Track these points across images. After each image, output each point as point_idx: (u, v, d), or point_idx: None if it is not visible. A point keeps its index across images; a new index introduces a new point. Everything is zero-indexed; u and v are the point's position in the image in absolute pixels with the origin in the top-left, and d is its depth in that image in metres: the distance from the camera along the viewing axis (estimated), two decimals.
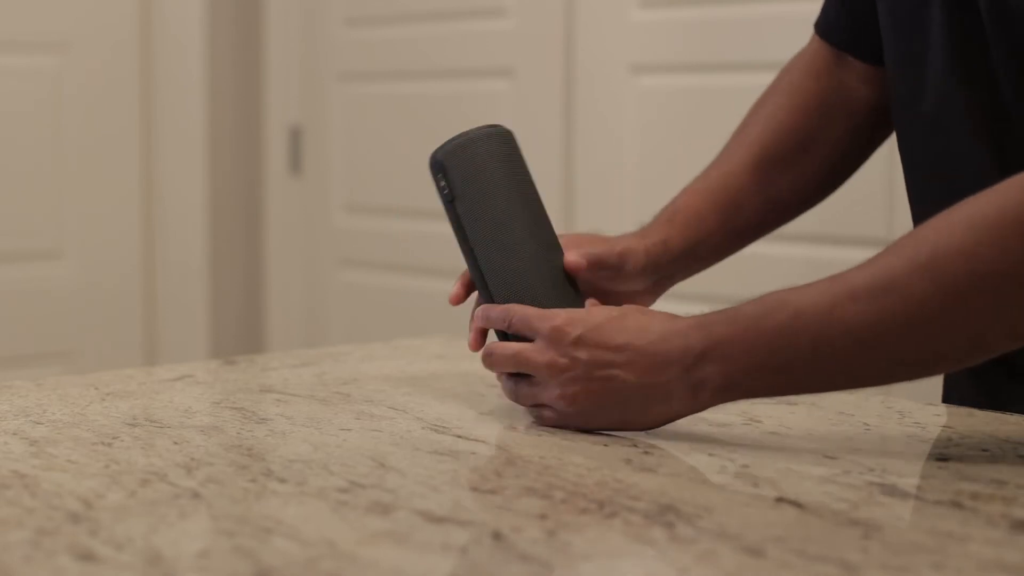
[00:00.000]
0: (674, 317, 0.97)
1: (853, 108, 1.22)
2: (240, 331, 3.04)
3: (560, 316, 0.99)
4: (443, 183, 1.07)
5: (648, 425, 0.97)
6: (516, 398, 1.02)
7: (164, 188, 3.00)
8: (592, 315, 0.99)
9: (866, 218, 2.03)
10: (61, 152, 2.88)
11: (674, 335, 0.94)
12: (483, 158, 1.07)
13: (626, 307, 1.01)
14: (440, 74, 2.71)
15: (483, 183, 1.06)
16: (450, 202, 1.07)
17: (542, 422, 1.00)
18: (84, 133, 2.90)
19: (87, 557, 0.68)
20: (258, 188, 3.04)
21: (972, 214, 0.87)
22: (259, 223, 3.04)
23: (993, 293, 0.86)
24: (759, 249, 1.65)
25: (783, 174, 1.23)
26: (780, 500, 0.80)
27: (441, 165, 1.07)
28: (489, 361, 1.03)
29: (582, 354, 0.97)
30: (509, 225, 1.06)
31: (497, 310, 1.04)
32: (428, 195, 2.85)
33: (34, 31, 2.85)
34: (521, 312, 1.02)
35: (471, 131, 1.07)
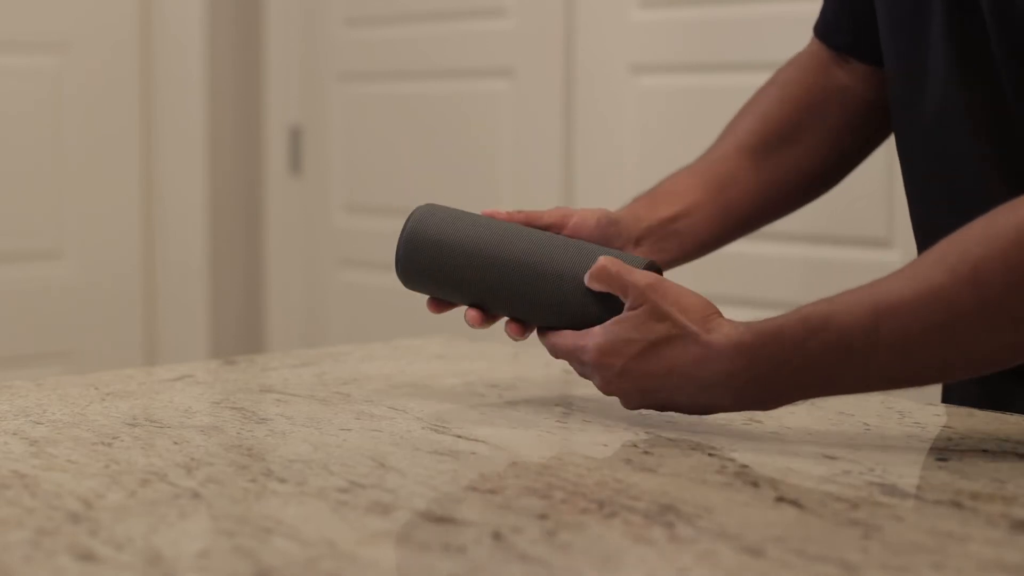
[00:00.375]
0: (707, 329, 0.95)
1: (848, 103, 1.21)
2: (240, 331, 3.04)
3: (594, 345, 0.99)
4: (428, 292, 1.09)
5: (704, 413, 1.00)
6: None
7: (164, 188, 3.00)
8: (628, 343, 0.98)
9: (866, 218, 2.03)
10: (61, 152, 2.88)
11: (715, 359, 0.94)
12: (423, 256, 1.06)
13: (659, 325, 0.97)
14: (440, 74, 2.71)
15: (442, 271, 1.06)
16: (442, 300, 1.09)
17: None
18: (84, 133, 2.90)
19: (87, 557, 0.68)
20: (258, 188, 3.04)
21: (1010, 224, 0.87)
22: (259, 223, 3.04)
23: None
24: (759, 249, 1.66)
25: (771, 160, 1.22)
26: (780, 500, 0.80)
27: (413, 287, 1.08)
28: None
29: (627, 384, 0.98)
30: (496, 276, 1.05)
31: (545, 344, 1.06)
32: (428, 195, 2.86)
33: (34, 31, 2.85)
34: (562, 344, 1.03)
35: (399, 239, 1.07)
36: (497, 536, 0.73)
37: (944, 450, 0.95)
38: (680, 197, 1.19)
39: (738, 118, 1.25)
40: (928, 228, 1.10)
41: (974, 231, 0.89)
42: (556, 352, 1.04)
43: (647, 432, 0.98)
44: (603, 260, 1.01)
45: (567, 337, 1.02)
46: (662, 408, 0.99)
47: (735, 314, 1.01)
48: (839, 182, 1.27)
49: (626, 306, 0.99)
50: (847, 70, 1.21)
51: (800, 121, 1.22)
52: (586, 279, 1.02)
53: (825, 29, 1.22)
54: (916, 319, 0.88)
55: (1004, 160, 1.02)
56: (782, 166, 1.22)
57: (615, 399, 1.03)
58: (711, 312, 0.97)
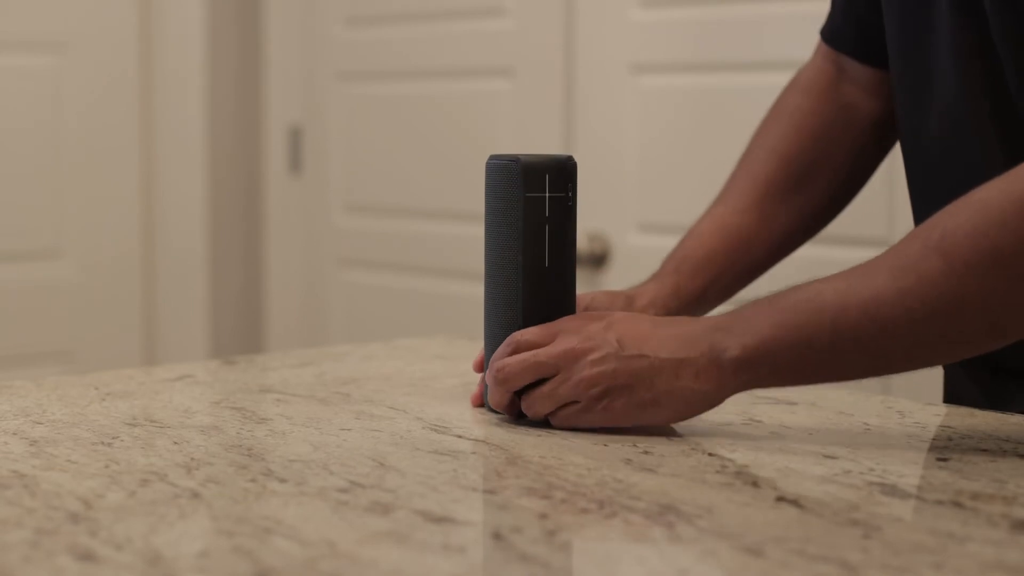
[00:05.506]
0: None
1: (858, 126, 1.22)
2: (240, 331, 3.04)
3: (580, 313, 1.01)
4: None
5: (672, 413, 0.96)
6: (532, 409, 0.98)
7: (164, 188, 3.00)
8: (608, 312, 1.01)
9: (866, 218, 2.03)
10: (61, 152, 2.88)
11: (702, 317, 0.97)
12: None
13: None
14: (440, 74, 2.71)
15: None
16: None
17: (559, 422, 0.98)
18: (84, 133, 2.90)
19: (87, 557, 0.68)
20: (258, 188, 3.04)
21: (981, 198, 0.88)
22: (259, 223, 3.04)
23: (1004, 273, 0.86)
24: None
25: (789, 204, 1.23)
26: (780, 500, 0.80)
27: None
28: (503, 375, 0.99)
29: (612, 335, 0.96)
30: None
31: (502, 347, 1.01)
32: (428, 195, 2.85)
33: (34, 31, 2.85)
34: (528, 333, 1.00)
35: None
36: (497, 536, 0.73)
37: (944, 450, 0.95)
38: (709, 265, 1.21)
39: (752, 154, 1.25)
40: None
41: (948, 208, 0.90)
42: (518, 342, 0.99)
43: (647, 432, 0.98)
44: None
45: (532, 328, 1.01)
46: (627, 380, 0.95)
47: None
48: (850, 203, 1.28)
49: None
50: (854, 84, 1.21)
51: (815, 156, 1.23)
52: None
53: (832, 33, 1.23)
54: (888, 285, 0.89)
55: (1012, 161, 1.02)
56: (797, 209, 1.24)
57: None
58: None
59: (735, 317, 0.94)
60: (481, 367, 1.08)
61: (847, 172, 1.24)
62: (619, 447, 0.93)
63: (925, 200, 1.12)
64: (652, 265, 1.24)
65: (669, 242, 1.29)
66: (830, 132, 1.22)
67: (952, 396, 1.17)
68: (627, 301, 1.15)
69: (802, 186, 1.23)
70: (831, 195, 1.25)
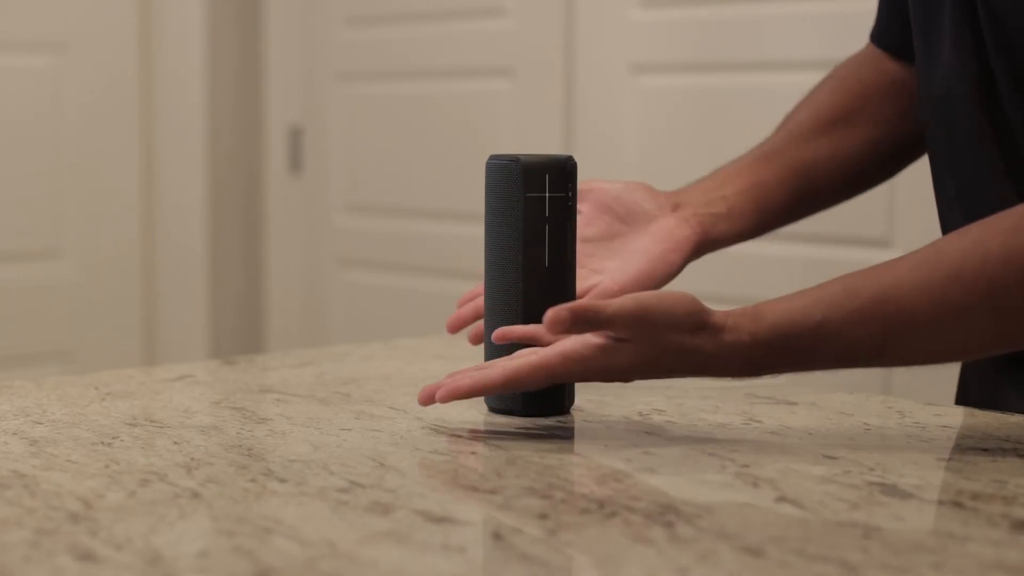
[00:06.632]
0: (719, 342, 0.92)
1: (903, 94, 1.22)
2: (240, 331, 3.04)
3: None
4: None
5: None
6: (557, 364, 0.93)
7: (164, 188, 3.00)
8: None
9: (866, 218, 2.03)
10: (61, 152, 2.88)
11: (723, 366, 0.93)
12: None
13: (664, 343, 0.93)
14: (440, 74, 2.71)
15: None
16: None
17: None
18: (84, 133, 2.91)
19: (87, 557, 0.68)
20: (258, 187, 3.04)
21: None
22: (259, 223, 3.04)
23: None
24: (759, 249, 1.66)
25: (822, 140, 1.23)
26: (780, 500, 0.80)
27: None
28: (517, 383, 0.94)
29: (647, 337, 0.92)
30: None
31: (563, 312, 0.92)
32: (428, 195, 2.85)
33: (34, 31, 2.85)
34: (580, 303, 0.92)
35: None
36: (497, 536, 0.73)
37: (944, 450, 0.95)
38: (727, 173, 1.21)
39: (792, 113, 1.27)
40: (946, 212, 1.12)
41: (992, 245, 0.88)
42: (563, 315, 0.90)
43: (647, 432, 0.98)
44: (565, 306, 0.91)
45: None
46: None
47: None
48: (898, 171, 1.28)
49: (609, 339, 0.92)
50: (902, 65, 1.22)
51: (853, 107, 1.23)
52: (546, 324, 0.91)
53: (878, 32, 1.25)
54: (930, 336, 0.90)
55: (1006, 159, 1.02)
56: (832, 145, 1.23)
57: (613, 397, 1.03)
58: (703, 318, 0.92)
59: (763, 371, 0.94)
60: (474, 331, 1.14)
61: (890, 129, 1.23)
62: (619, 447, 0.93)
63: (944, 193, 1.13)
64: None
65: None
66: (873, 94, 1.23)
67: (963, 381, 1.19)
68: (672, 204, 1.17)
69: (836, 127, 1.22)
70: (870, 143, 1.22)
